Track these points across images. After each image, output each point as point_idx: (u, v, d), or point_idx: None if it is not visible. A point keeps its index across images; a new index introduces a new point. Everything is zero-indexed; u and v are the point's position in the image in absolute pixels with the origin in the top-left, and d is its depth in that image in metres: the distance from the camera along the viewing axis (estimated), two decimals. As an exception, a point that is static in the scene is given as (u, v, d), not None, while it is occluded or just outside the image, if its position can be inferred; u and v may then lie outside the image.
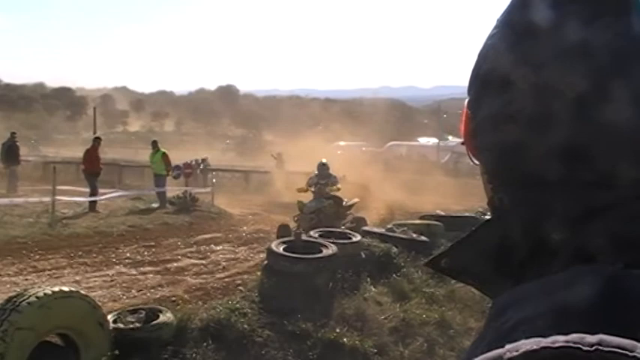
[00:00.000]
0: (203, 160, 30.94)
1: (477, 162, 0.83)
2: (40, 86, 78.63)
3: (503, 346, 0.59)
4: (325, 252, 10.00)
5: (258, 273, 10.41)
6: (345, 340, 8.61)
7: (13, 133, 24.45)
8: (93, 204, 19.06)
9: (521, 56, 0.74)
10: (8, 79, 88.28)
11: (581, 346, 0.45)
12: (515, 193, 0.76)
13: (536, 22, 0.74)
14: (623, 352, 0.44)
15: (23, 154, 24.79)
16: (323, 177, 15.55)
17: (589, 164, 0.70)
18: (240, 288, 10.56)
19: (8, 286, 10.46)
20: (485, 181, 0.83)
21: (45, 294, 6.30)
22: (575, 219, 0.70)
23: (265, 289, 9.59)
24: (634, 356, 0.43)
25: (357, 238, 11.36)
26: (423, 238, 12.34)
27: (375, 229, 12.59)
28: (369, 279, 10.62)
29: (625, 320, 0.59)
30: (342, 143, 54.96)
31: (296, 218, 15.27)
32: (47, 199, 17.72)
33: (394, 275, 10.95)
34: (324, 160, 16.16)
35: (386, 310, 9.89)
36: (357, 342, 8.63)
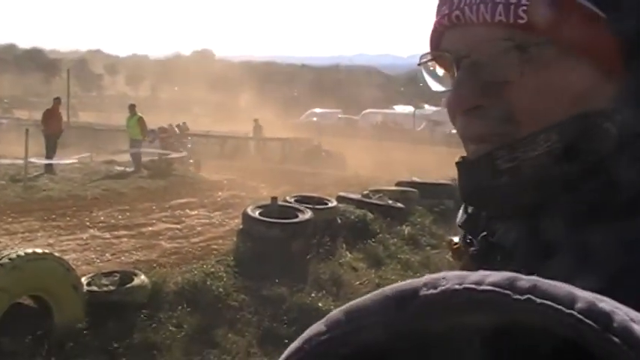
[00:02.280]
0: (178, 126, 30.72)
1: None
2: (12, 47, 77.48)
3: None
4: (301, 217, 10.00)
5: (234, 238, 10.40)
6: (320, 304, 8.64)
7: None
8: (49, 166, 18.88)
9: None
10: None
11: (511, 293, 0.38)
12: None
13: None
14: (558, 307, 0.36)
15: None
16: None
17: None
18: (215, 252, 10.56)
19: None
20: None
21: (18, 255, 6.24)
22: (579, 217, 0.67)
23: (241, 254, 9.59)
24: (570, 313, 0.35)
25: (333, 203, 11.37)
26: (399, 204, 12.37)
27: (351, 195, 12.59)
28: (344, 245, 10.66)
29: None
30: (317, 110, 54.91)
31: None
32: (20, 161, 17.51)
33: (370, 241, 11.00)
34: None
35: (361, 275, 9.95)
36: (332, 307, 8.63)
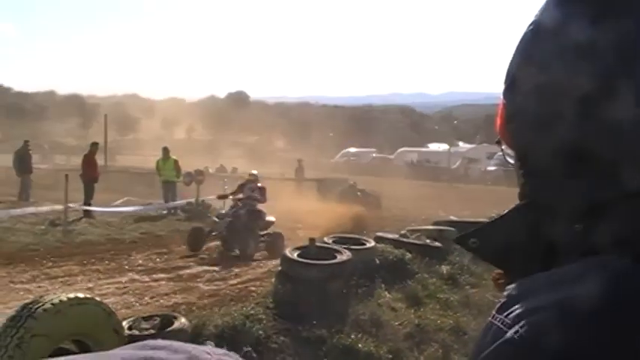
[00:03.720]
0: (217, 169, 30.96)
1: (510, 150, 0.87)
2: (51, 94, 79.08)
3: (505, 336, 0.65)
4: (339, 258, 9.95)
5: (273, 279, 10.38)
6: (360, 345, 8.55)
7: (26, 142, 24.48)
8: (88, 211, 19.11)
9: (527, 56, 0.78)
10: (19, 88, 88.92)
11: None
12: (534, 182, 0.80)
13: (542, 22, 0.77)
14: None
15: (35, 162, 24.79)
16: (249, 188, 15.93)
17: (593, 163, 0.70)
18: (253, 294, 10.55)
19: (22, 293, 10.46)
20: (516, 167, 0.85)
21: (60, 300, 6.27)
22: (581, 216, 0.71)
23: (279, 295, 9.55)
24: None
25: (371, 243, 11.32)
26: (437, 243, 12.28)
27: (389, 235, 12.52)
28: (383, 285, 10.57)
29: (631, 321, 0.60)
30: (352, 150, 55.06)
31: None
32: (59, 207, 17.76)
33: (408, 281, 10.90)
34: (254, 172, 16.76)
35: (400, 315, 9.84)
36: (372, 348, 8.57)
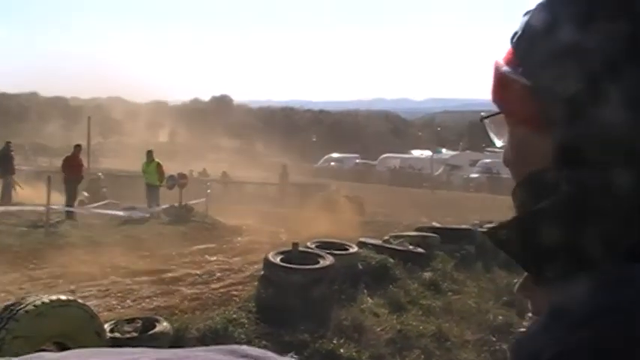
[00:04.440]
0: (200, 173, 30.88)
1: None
2: (34, 95, 78.57)
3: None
4: (322, 263, 9.97)
5: (255, 283, 10.38)
6: (342, 351, 8.58)
7: (8, 143, 24.31)
8: (70, 212, 19.02)
9: (517, 58, 0.77)
10: (2, 89, 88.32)
11: None
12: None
13: (531, 25, 0.77)
14: None
15: (17, 163, 24.61)
16: None
17: (582, 167, 0.70)
18: (235, 298, 10.54)
19: (3, 294, 10.38)
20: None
21: (43, 302, 6.26)
22: (571, 221, 0.70)
23: (262, 300, 9.57)
24: None
25: (354, 249, 11.35)
26: (420, 249, 12.33)
27: (372, 241, 12.56)
28: (365, 290, 10.61)
29: (617, 331, 0.60)
30: (335, 155, 55.10)
31: None
32: (41, 208, 17.66)
33: (391, 286, 10.94)
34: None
35: (383, 321, 9.87)
36: (354, 353, 8.60)
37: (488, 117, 0.87)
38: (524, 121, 0.77)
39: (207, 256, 15.00)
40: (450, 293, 11.40)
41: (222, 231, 19.56)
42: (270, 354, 0.67)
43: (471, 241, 13.21)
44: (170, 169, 23.92)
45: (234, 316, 8.95)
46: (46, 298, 6.42)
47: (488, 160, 45.94)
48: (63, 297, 6.70)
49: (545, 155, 0.73)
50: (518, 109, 0.77)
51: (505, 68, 0.79)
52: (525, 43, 0.77)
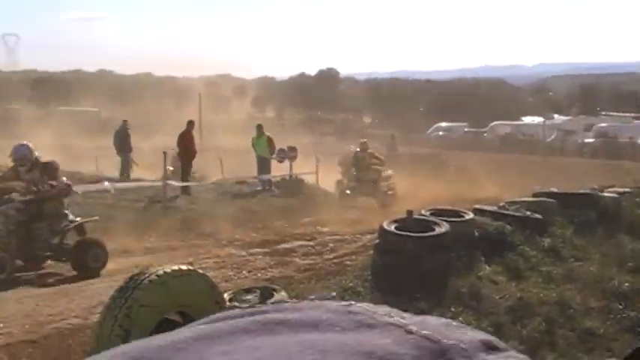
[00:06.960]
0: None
1: None
2: (148, 76, 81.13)
3: None
4: (438, 230, 9.80)
5: (369, 253, 10.33)
6: (460, 319, 8.39)
7: (124, 121, 25.10)
8: (186, 188, 19.38)
9: None
10: (120, 71, 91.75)
11: None
12: None
13: None
14: None
15: (134, 141, 25.35)
16: None
17: None
18: (349, 268, 10.52)
19: (127, 266, 10.74)
20: None
21: (165, 272, 6.37)
22: None
23: (377, 268, 9.50)
24: None
25: (470, 216, 11.10)
26: (537, 215, 11.92)
27: (488, 207, 12.24)
28: (482, 258, 10.37)
29: None
30: (443, 124, 54.29)
31: None
32: (159, 183, 18.19)
33: (509, 254, 10.65)
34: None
35: (501, 289, 9.63)
36: (472, 321, 8.42)
37: None
38: None
39: (318, 227, 15.06)
40: (571, 260, 10.99)
41: (333, 203, 19.61)
42: (383, 310, 0.63)
43: (592, 207, 12.69)
44: (279, 143, 24.10)
45: (350, 284, 8.93)
46: (167, 268, 6.54)
47: (604, 125, 44.22)
48: (184, 267, 6.82)
49: None
50: None
51: None
52: None
